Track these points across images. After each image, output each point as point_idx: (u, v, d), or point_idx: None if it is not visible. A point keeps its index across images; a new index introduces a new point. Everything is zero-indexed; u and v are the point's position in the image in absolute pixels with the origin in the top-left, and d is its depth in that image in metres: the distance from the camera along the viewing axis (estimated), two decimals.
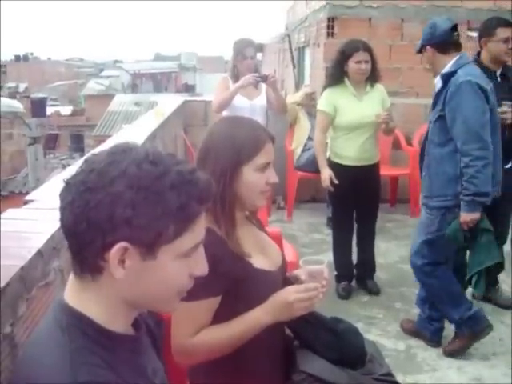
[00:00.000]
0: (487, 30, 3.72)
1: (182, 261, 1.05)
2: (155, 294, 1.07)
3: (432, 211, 3.36)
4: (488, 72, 3.67)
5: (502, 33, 3.63)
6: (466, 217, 3.13)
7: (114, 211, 0.97)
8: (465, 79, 3.12)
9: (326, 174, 4.06)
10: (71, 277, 1.08)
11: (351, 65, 3.94)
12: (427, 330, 3.61)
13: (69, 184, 1.02)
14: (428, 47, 3.34)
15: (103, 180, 0.99)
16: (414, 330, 3.67)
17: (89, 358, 0.99)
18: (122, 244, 0.98)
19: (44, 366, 0.98)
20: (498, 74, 3.71)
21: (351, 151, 4.07)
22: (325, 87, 4.20)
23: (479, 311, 3.45)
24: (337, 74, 4.05)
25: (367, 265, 4.38)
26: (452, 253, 3.47)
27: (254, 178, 1.68)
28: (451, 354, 3.48)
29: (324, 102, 4.12)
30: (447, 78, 3.21)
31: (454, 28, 3.29)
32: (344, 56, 3.96)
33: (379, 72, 4.11)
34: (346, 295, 4.24)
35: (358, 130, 4.03)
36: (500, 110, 3.55)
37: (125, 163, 1.00)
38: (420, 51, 3.43)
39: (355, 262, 4.40)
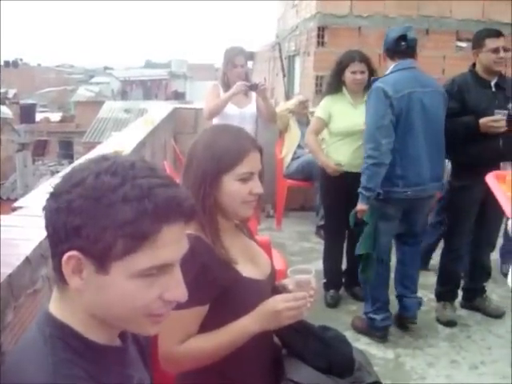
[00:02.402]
0: (477, 41, 3.79)
1: (142, 280, 0.98)
2: (117, 312, 1.00)
3: None
4: (483, 82, 3.74)
5: (491, 43, 3.68)
6: (358, 206, 3.52)
7: (67, 219, 0.95)
8: (376, 85, 3.47)
9: (331, 163, 4.14)
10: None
11: (347, 75, 4.05)
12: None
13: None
14: (382, 53, 3.66)
15: (64, 187, 0.98)
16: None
17: (71, 370, 0.97)
18: (73, 253, 0.96)
19: (26, 377, 0.97)
20: (492, 84, 3.76)
21: (345, 157, 4.11)
22: (324, 95, 4.33)
23: (383, 323, 3.75)
24: (335, 84, 4.17)
25: (356, 271, 4.37)
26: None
27: (235, 188, 1.66)
28: (352, 325, 3.92)
29: (320, 109, 4.26)
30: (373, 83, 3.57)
31: (403, 37, 3.51)
32: (341, 66, 4.08)
33: None
34: (334, 303, 4.26)
35: (352, 137, 4.08)
36: (492, 118, 3.59)
37: (88, 172, 0.98)
38: None
39: (344, 270, 4.42)
